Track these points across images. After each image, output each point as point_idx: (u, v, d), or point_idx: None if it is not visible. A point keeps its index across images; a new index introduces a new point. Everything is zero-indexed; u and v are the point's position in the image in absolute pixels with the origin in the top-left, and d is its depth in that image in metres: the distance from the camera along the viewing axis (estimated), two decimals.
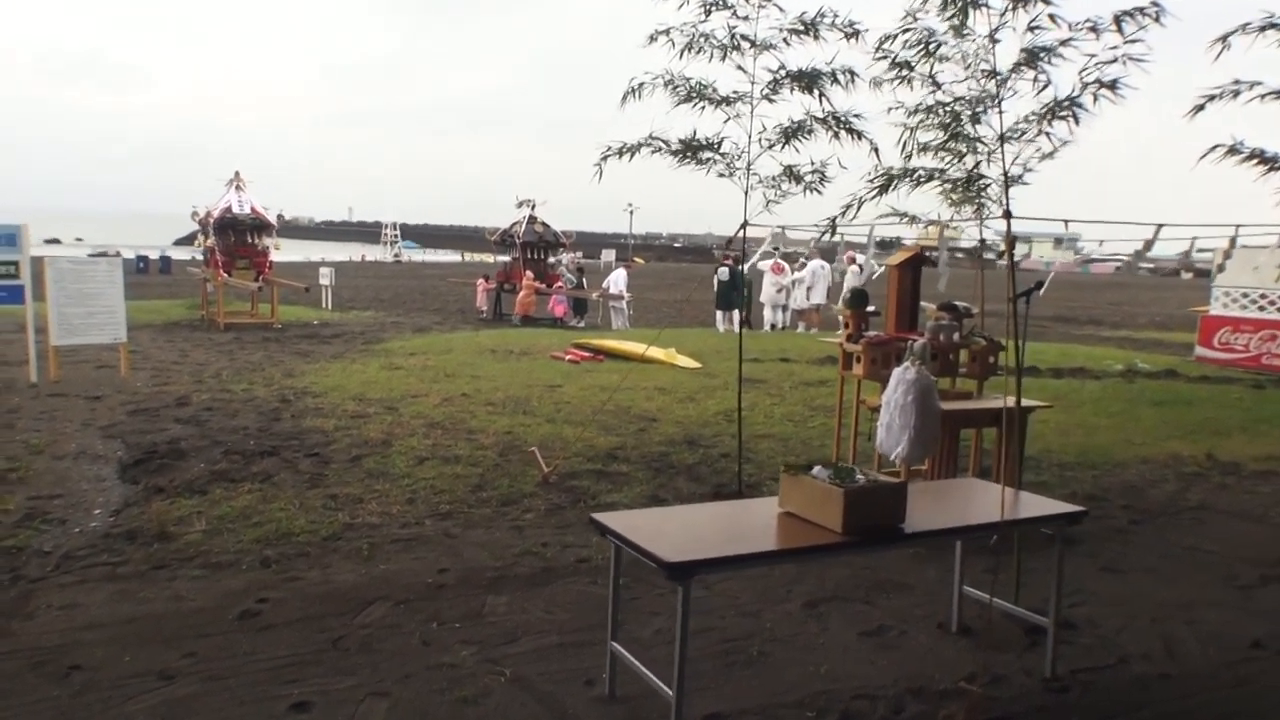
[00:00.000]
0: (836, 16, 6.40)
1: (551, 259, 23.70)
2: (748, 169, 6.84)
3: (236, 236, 18.90)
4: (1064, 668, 4.53)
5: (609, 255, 47.72)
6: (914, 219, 6.78)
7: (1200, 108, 6.29)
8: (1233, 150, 5.81)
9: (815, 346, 16.71)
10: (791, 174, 6.91)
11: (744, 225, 7.03)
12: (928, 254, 8.39)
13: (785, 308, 21.31)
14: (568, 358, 14.67)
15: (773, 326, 21.13)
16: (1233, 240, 12.80)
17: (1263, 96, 5.71)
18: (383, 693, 4.06)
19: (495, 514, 6.64)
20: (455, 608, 5.00)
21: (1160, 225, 5.50)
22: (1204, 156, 6.27)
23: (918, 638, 4.82)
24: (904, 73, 5.17)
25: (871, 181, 5.24)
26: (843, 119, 6.54)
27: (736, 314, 19.06)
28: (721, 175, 6.94)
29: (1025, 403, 6.94)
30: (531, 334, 18.79)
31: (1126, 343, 21.87)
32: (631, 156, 6.99)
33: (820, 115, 6.54)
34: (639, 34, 6.76)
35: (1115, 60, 4.78)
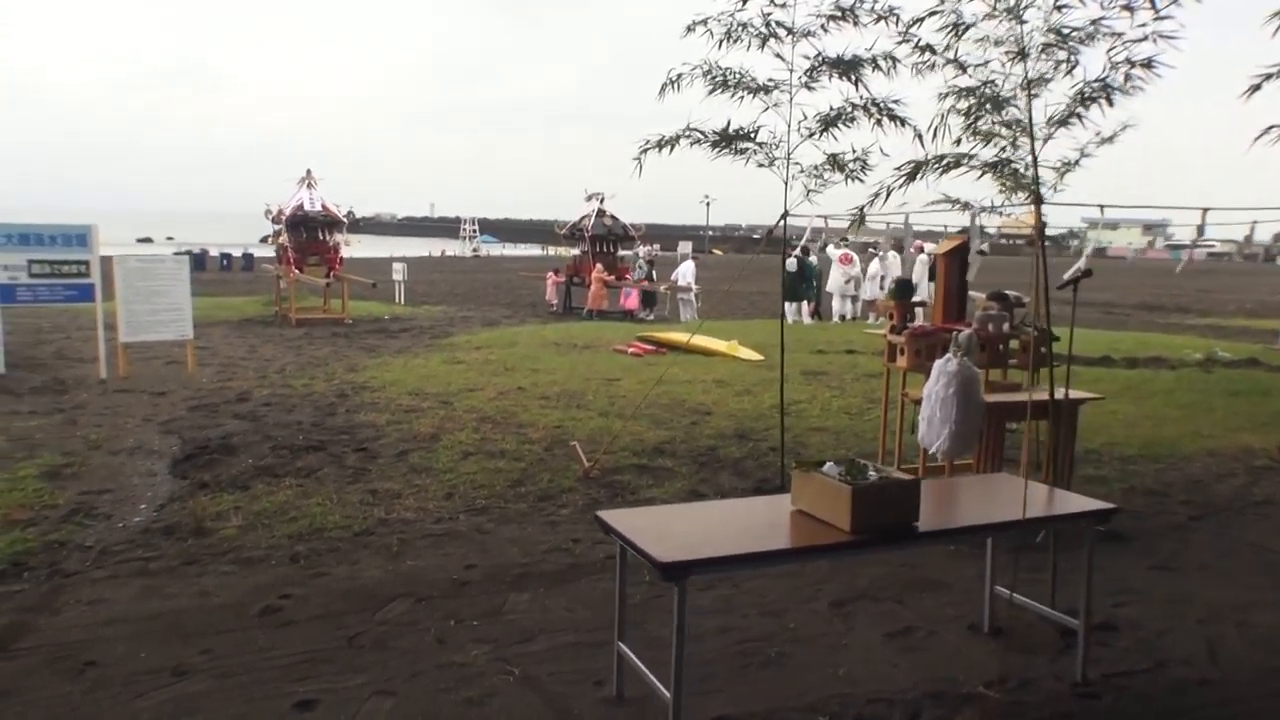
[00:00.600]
0: (876, 1, 6.19)
1: (624, 251, 23.66)
2: (788, 158, 6.67)
3: (308, 233, 19.28)
4: (1098, 671, 4.30)
5: (685, 247, 47.54)
6: (966, 205, 6.55)
7: (1257, 87, 5.94)
8: None
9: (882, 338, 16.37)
10: (835, 162, 6.72)
11: (784, 215, 6.85)
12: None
13: (855, 298, 20.93)
14: (630, 351, 14.61)
15: (842, 318, 20.77)
16: None
17: None
18: (389, 691, 4.04)
19: (531, 509, 6.61)
20: (476, 605, 4.96)
21: (1206, 209, 5.18)
22: (1259, 138, 5.92)
23: (946, 639, 4.62)
24: (928, 57, 4.96)
25: (899, 170, 5.04)
26: (883, 105, 6.32)
27: (805, 305, 18.76)
28: (761, 165, 6.78)
29: (1075, 394, 6.66)
30: (597, 327, 18.78)
31: (1212, 330, 20.97)
32: (671, 149, 6.88)
33: (860, 102, 6.34)
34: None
35: (1145, 39, 4.51)
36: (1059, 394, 6.53)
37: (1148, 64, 4.72)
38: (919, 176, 5.01)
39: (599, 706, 3.95)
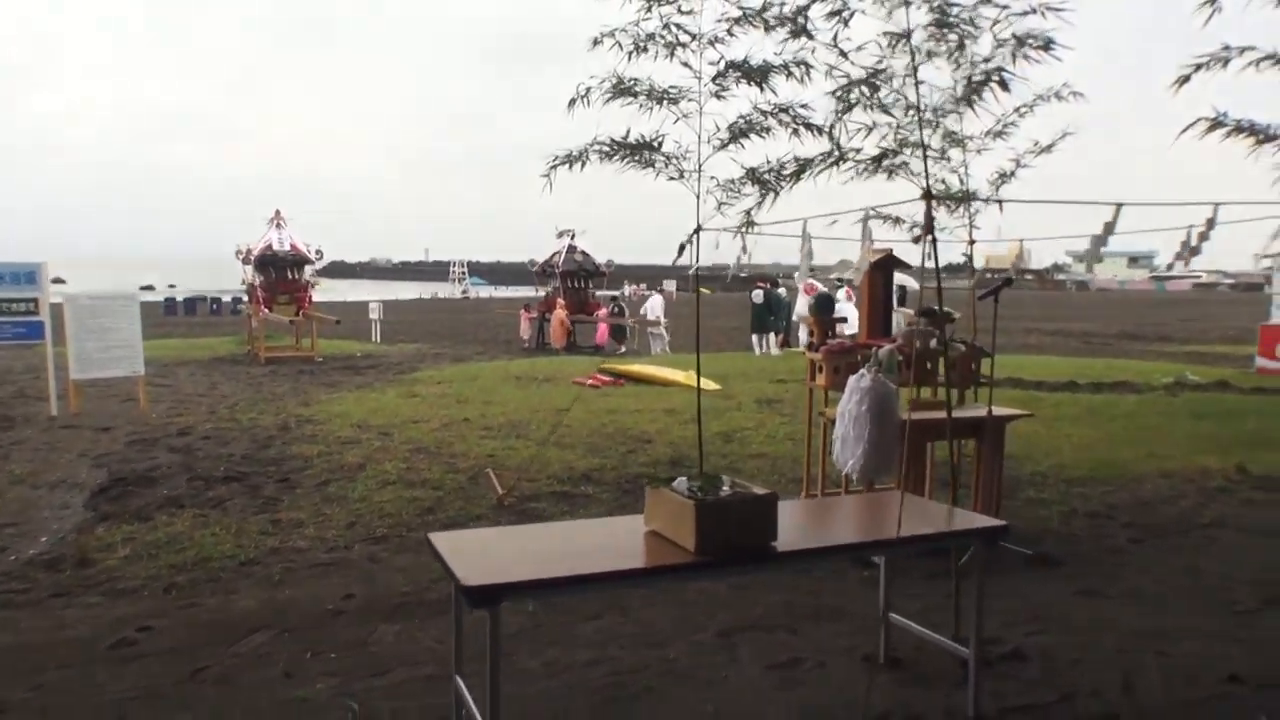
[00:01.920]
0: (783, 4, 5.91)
1: (610, 292, 23.35)
2: (699, 170, 6.35)
3: (277, 272, 19.01)
4: (997, 705, 3.90)
5: (670, 285, 47.43)
6: (898, 220, 6.25)
7: (1186, 79, 5.64)
8: (1216, 124, 5.18)
9: None
10: (753, 176, 6.40)
11: (697, 230, 6.51)
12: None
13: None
14: (589, 382, 14.25)
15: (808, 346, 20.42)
16: None
17: (1257, 63, 5.09)
18: None
19: None
20: (341, 636, 4.57)
21: (1120, 204, 4.84)
22: (1185, 131, 5.60)
23: (835, 672, 4.21)
24: (807, 43, 4.67)
25: (782, 170, 4.72)
26: (793, 112, 6.01)
27: (772, 336, 18.44)
28: (671, 179, 6.46)
29: (1001, 411, 6.31)
30: (561, 361, 18.43)
31: (1190, 357, 20.58)
32: (583, 166, 6.57)
33: (767, 109, 6.03)
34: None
35: (1032, 10, 4.21)
36: (983, 412, 6.19)
37: (1046, 45, 4.41)
38: (804, 175, 4.68)
39: None
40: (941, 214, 7.59)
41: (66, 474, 8.26)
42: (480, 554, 3.23)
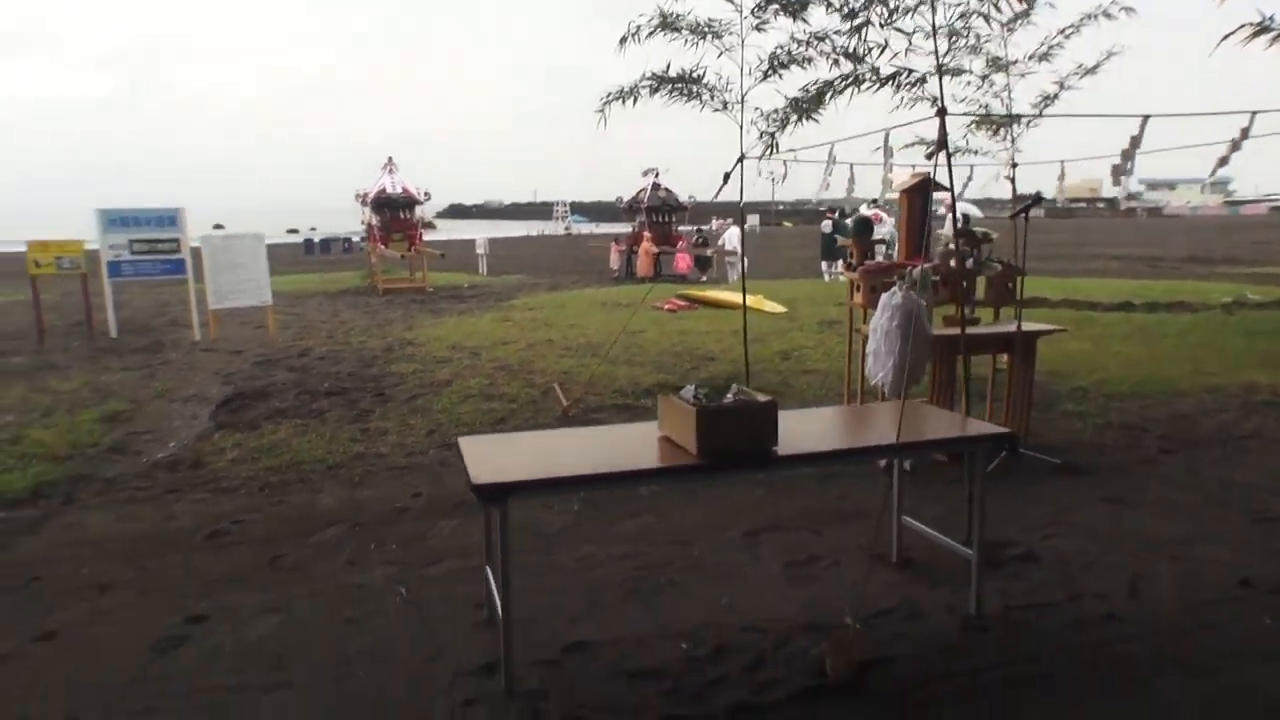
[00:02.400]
0: None
1: (685, 227, 22.97)
2: (741, 101, 6.07)
3: (391, 213, 19.25)
4: (1002, 604, 3.70)
5: (753, 220, 46.51)
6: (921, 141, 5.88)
7: None
8: (1263, 29, 4.64)
9: None
10: (797, 106, 6.08)
11: (740, 159, 6.25)
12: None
13: (886, 256, 19.83)
14: (666, 307, 14.10)
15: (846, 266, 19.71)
16: None
17: None
18: (278, 609, 3.73)
19: None
20: (404, 530, 4.63)
21: (1147, 116, 4.40)
22: (1227, 37, 5.04)
23: (849, 569, 4.06)
24: None
25: (806, 93, 4.42)
26: (827, 39, 5.65)
27: (841, 263, 17.86)
28: (716, 111, 6.19)
29: (1032, 327, 5.93)
30: (645, 289, 18.24)
31: (1256, 278, 19.15)
32: (635, 100, 6.35)
33: (803, 38, 5.68)
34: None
35: None
36: (1013, 327, 5.83)
37: None
38: (828, 98, 4.38)
39: (465, 628, 3.55)
40: (981, 138, 7.13)
41: (200, 389, 8.56)
42: (496, 455, 3.17)
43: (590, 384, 7.96)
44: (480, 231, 33.68)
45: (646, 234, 21.09)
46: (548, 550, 4.24)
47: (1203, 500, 5.03)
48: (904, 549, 4.15)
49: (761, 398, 3.27)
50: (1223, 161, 4.66)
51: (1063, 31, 6.84)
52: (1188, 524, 4.65)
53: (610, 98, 6.31)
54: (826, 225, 18.28)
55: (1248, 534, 4.51)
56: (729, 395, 3.27)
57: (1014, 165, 7.37)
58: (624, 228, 25.48)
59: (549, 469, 2.99)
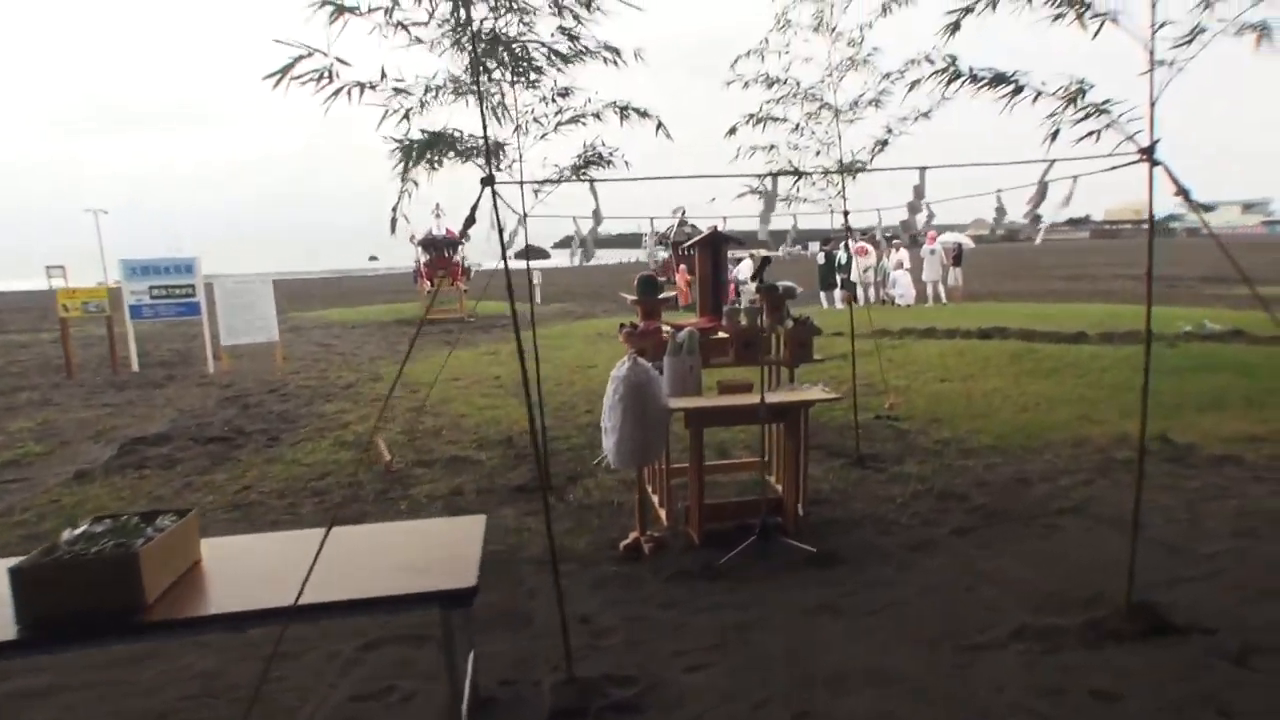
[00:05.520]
0: None
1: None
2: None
3: (436, 252, 19.15)
4: None
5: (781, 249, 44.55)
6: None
7: (956, 26, 4.05)
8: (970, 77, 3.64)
9: (898, 317, 13.86)
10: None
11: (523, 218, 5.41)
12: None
13: (876, 285, 18.19)
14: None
15: (867, 302, 18.17)
16: None
17: None
18: None
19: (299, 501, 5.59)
20: None
21: (924, 168, 3.40)
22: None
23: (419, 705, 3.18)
24: None
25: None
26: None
27: (838, 292, 16.55)
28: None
29: (800, 397, 4.81)
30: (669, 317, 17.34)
31: (1254, 302, 16.40)
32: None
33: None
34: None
35: None
36: (787, 395, 4.75)
37: None
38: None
39: None
40: (805, 186, 6.12)
41: (140, 429, 7.98)
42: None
43: (473, 429, 7.27)
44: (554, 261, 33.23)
45: (682, 267, 20.33)
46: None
47: (925, 613, 3.75)
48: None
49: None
50: (1035, 218, 3.61)
51: (887, 76, 5.81)
52: (871, 650, 3.42)
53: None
54: (820, 256, 16.95)
55: (936, 672, 3.27)
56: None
57: (847, 214, 6.29)
58: None
59: None
